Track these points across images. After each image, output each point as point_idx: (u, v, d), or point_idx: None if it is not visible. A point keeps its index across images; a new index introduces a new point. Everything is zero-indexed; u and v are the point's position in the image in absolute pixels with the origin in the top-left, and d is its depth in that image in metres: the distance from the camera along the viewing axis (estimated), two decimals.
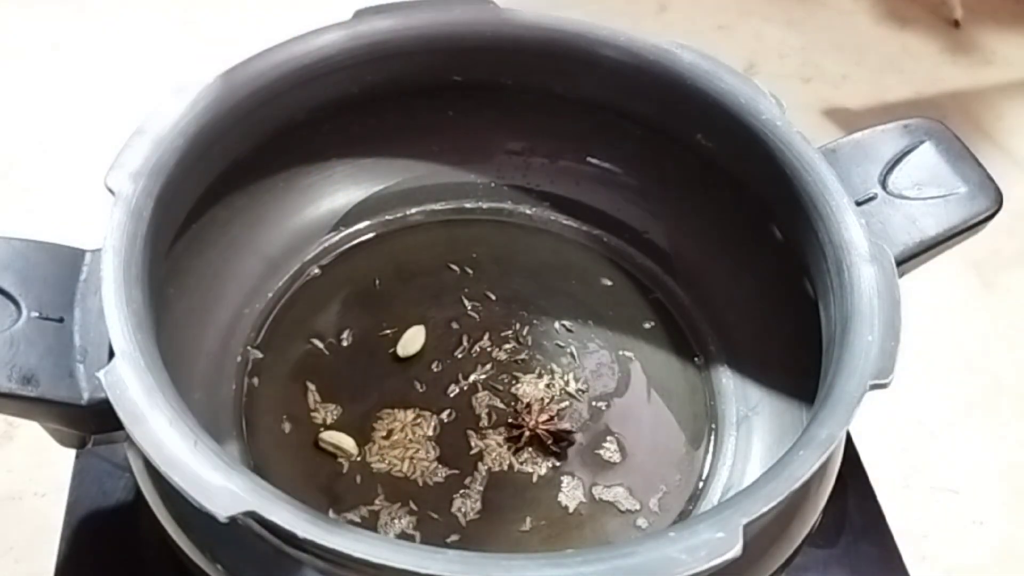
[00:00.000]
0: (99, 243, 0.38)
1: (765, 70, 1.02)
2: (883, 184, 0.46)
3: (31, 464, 0.68)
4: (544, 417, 0.47)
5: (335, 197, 0.54)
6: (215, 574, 0.38)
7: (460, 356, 0.50)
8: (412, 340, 0.50)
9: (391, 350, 0.50)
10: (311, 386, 0.48)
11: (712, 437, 0.49)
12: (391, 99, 0.51)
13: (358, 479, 0.45)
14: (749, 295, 0.51)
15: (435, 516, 0.45)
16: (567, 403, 0.49)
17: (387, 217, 0.55)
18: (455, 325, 0.51)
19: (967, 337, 0.84)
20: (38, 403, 0.37)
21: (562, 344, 0.51)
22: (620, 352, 0.51)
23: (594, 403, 0.49)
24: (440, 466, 0.46)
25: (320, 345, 0.50)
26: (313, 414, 0.47)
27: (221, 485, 0.31)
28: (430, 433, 0.47)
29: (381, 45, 0.48)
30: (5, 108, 0.93)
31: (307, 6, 0.87)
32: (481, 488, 0.46)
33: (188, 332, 0.46)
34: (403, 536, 0.44)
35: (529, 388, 0.49)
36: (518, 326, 0.51)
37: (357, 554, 0.30)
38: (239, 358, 0.49)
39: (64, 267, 0.40)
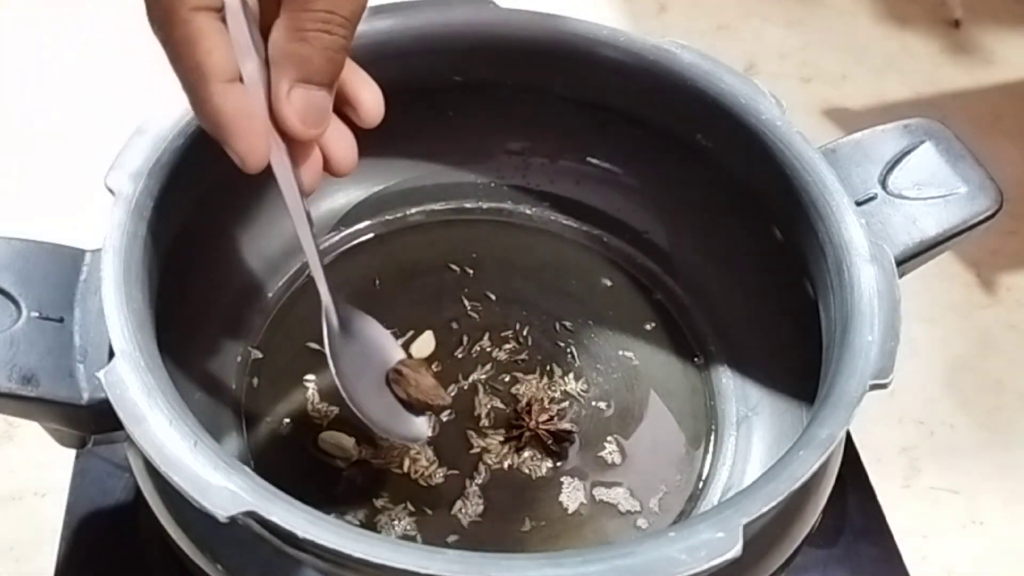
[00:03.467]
0: (99, 243, 0.38)
1: (765, 70, 1.02)
2: (883, 184, 0.46)
3: (31, 464, 0.68)
4: (544, 417, 0.47)
5: (335, 197, 0.54)
6: (215, 574, 0.38)
7: (460, 356, 0.50)
8: (425, 345, 0.50)
9: None
10: (311, 386, 0.48)
11: (712, 437, 0.49)
12: (391, 99, 0.51)
13: (358, 479, 0.45)
14: (749, 295, 0.51)
15: (435, 516, 0.45)
16: (567, 403, 0.49)
17: (387, 217, 0.55)
18: (455, 325, 0.51)
19: (967, 337, 0.84)
20: (38, 403, 0.37)
21: (562, 344, 0.51)
22: (620, 352, 0.51)
23: (594, 403, 0.49)
24: (440, 466, 0.46)
25: (320, 345, 0.50)
26: (313, 414, 0.47)
27: (221, 485, 0.31)
28: (430, 433, 0.47)
29: (381, 45, 0.48)
30: (5, 108, 0.93)
31: None
32: (481, 488, 0.46)
33: (188, 332, 0.46)
34: (403, 536, 0.44)
35: (529, 388, 0.49)
36: (518, 326, 0.51)
37: (357, 554, 0.30)
38: (239, 358, 0.49)
39: (64, 267, 0.40)
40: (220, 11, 0.34)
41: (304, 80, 0.35)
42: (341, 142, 0.38)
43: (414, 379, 0.43)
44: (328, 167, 0.38)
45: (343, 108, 0.38)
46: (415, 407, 0.43)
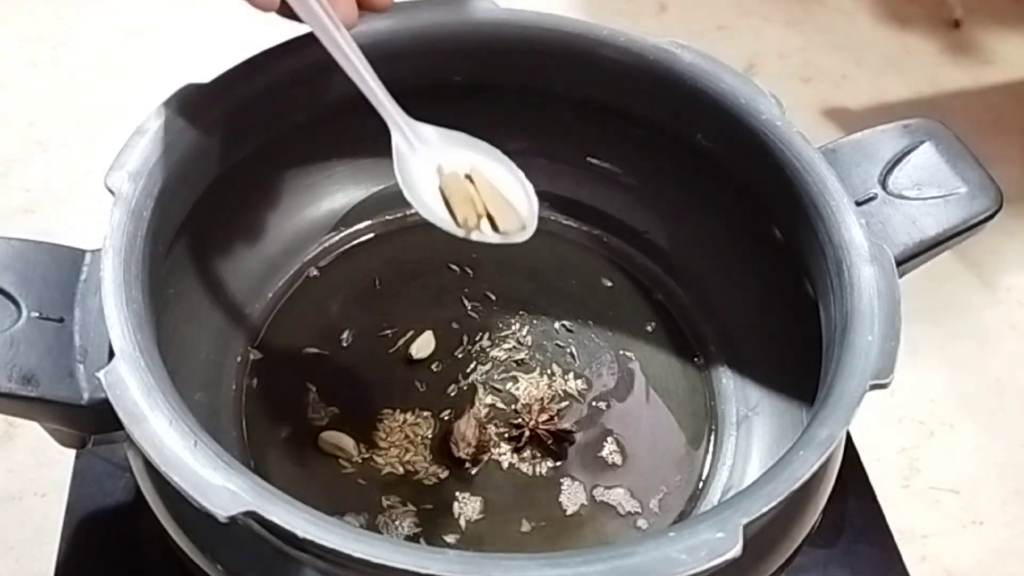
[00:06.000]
0: (99, 243, 0.38)
1: (765, 70, 1.02)
2: (883, 184, 0.46)
3: (31, 464, 0.68)
4: (544, 417, 0.47)
5: (335, 197, 0.54)
6: (215, 574, 0.38)
7: (460, 356, 0.50)
8: (425, 345, 0.50)
9: (391, 350, 0.50)
10: (311, 386, 0.48)
11: (712, 437, 0.49)
12: None
13: (358, 479, 0.45)
14: (749, 295, 0.51)
15: (435, 516, 0.45)
16: (567, 403, 0.49)
17: (387, 217, 0.55)
18: (455, 325, 0.51)
19: (967, 337, 0.84)
20: (38, 403, 0.37)
21: (562, 344, 0.51)
22: (620, 352, 0.51)
23: (594, 403, 0.49)
24: (440, 466, 0.46)
25: (320, 345, 0.50)
26: (313, 415, 0.47)
27: (221, 485, 0.31)
28: (430, 433, 0.47)
29: (381, 45, 0.48)
30: (5, 108, 0.93)
31: None
32: (481, 488, 0.46)
33: (188, 332, 0.46)
34: (403, 536, 0.44)
35: (529, 388, 0.49)
36: (518, 326, 0.51)
37: (357, 554, 0.30)
38: (239, 358, 0.49)
39: (64, 267, 0.40)
40: None
41: None
42: None
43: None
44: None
45: None
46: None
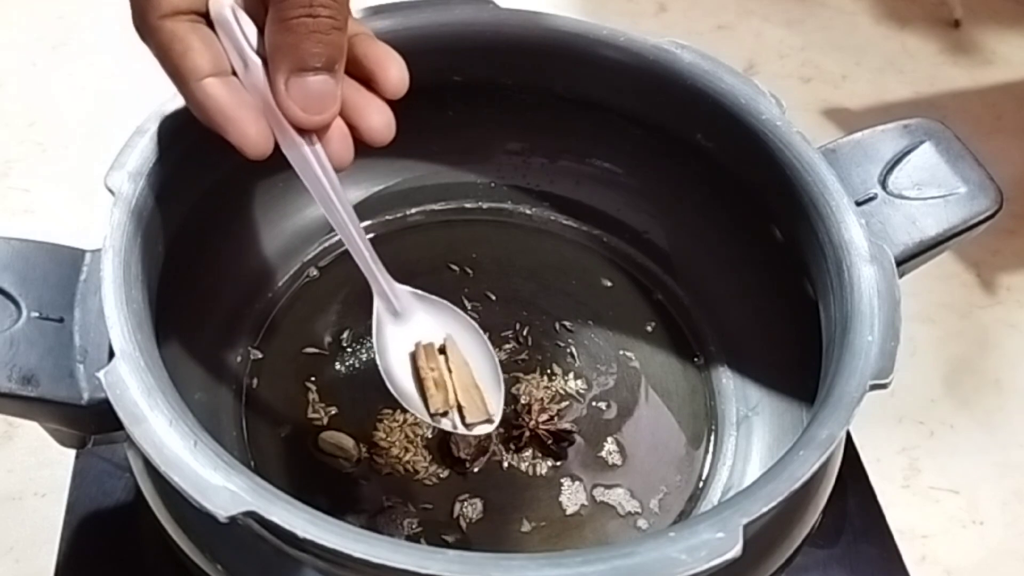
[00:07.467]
0: (99, 243, 0.38)
1: (765, 70, 1.02)
2: (883, 184, 0.46)
3: (31, 464, 0.68)
4: (544, 417, 0.47)
5: None
6: (215, 574, 0.38)
7: None
8: None
9: None
10: (311, 386, 0.48)
11: (712, 437, 0.49)
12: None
13: (358, 479, 0.45)
14: (749, 295, 0.51)
15: (435, 516, 0.45)
16: (567, 403, 0.49)
17: (387, 217, 0.55)
18: None
19: (967, 337, 0.84)
20: (38, 403, 0.37)
21: (562, 344, 0.51)
22: (620, 352, 0.51)
23: (594, 403, 0.49)
24: (440, 466, 0.46)
25: (320, 345, 0.50)
26: (313, 414, 0.47)
27: (221, 485, 0.31)
28: (429, 434, 0.47)
29: None
30: (5, 108, 0.93)
31: None
32: (481, 488, 0.46)
33: (188, 332, 0.46)
34: (403, 536, 0.44)
35: (529, 388, 0.49)
36: (518, 326, 0.51)
37: (357, 554, 0.30)
38: (239, 358, 0.49)
39: (64, 267, 0.40)
40: (198, 13, 0.35)
41: (299, 69, 0.35)
42: (374, 113, 0.38)
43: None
44: (363, 138, 0.38)
45: (368, 82, 0.38)
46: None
